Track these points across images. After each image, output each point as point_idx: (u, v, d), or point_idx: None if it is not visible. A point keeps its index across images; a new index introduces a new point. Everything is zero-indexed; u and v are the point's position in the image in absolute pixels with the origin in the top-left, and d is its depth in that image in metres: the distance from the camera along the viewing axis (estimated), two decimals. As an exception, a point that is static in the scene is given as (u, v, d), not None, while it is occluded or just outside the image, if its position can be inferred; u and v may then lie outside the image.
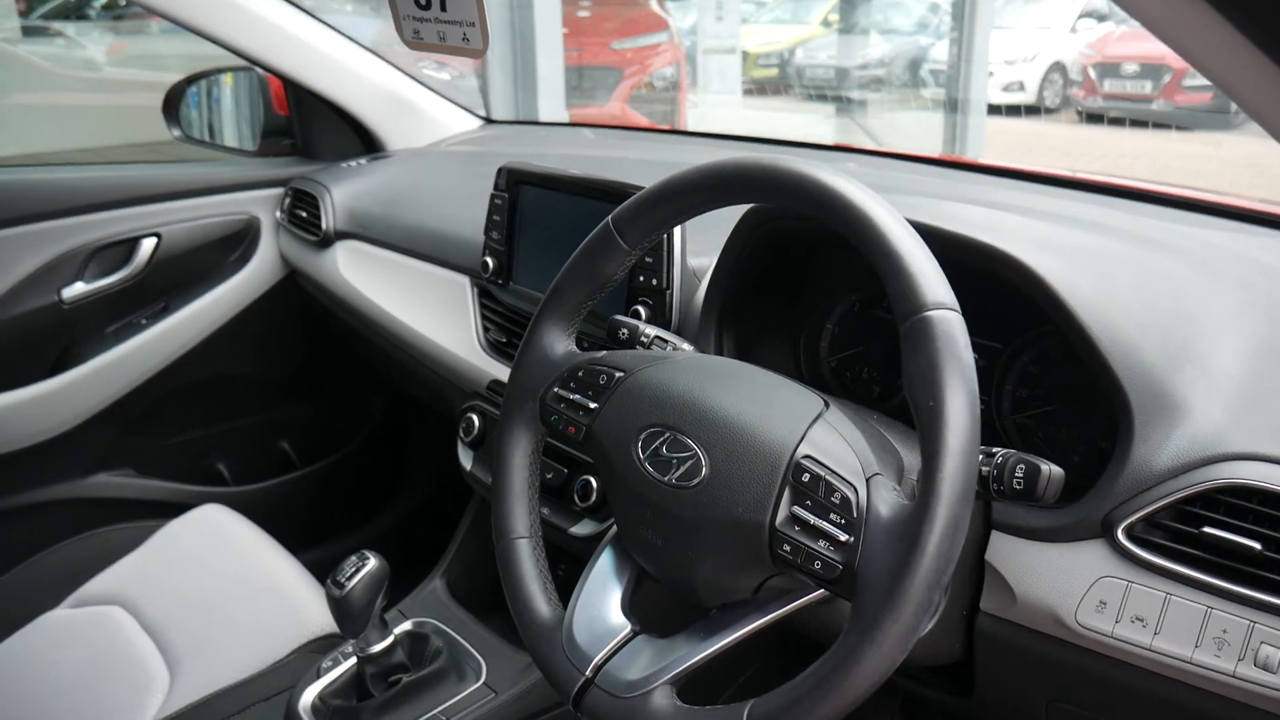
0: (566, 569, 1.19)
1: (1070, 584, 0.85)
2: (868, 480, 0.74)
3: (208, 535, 1.55)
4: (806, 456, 0.76)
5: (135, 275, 1.84)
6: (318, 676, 1.24)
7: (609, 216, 0.92)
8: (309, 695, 1.22)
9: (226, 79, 2.06)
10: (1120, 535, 0.82)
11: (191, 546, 1.53)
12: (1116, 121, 6.57)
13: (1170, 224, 1.18)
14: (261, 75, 1.99)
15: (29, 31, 5.84)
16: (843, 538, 0.72)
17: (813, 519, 0.73)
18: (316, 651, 1.32)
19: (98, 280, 1.81)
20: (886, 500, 0.72)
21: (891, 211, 0.75)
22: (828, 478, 0.74)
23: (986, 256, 0.90)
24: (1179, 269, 1.00)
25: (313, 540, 1.95)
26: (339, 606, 1.13)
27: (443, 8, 1.05)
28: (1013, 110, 7.19)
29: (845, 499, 0.73)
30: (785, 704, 0.71)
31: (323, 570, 1.39)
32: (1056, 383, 1.01)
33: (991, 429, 1.04)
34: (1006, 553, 0.88)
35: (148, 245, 1.84)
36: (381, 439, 2.24)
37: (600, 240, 0.92)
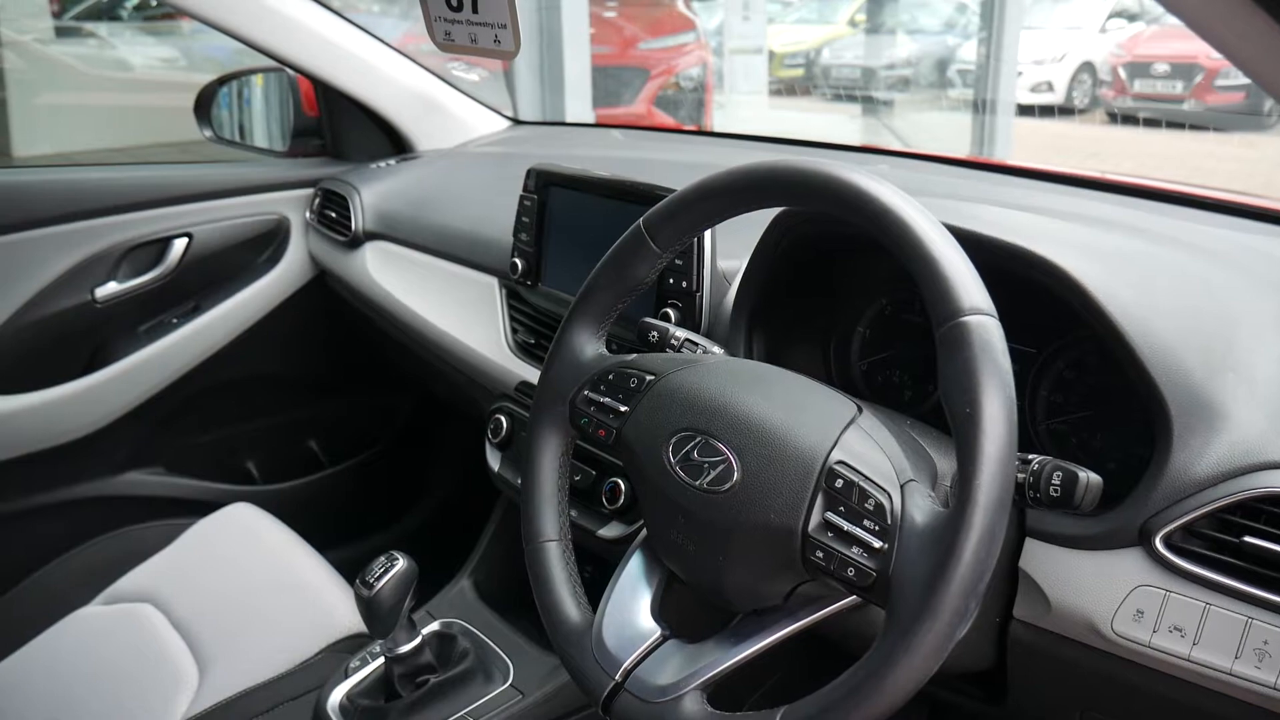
0: (593, 571, 1.19)
1: (1106, 592, 0.83)
2: (902, 487, 0.73)
3: (237, 534, 1.56)
4: (840, 462, 0.75)
5: (167, 275, 1.85)
6: (346, 676, 1.24)
7: (640, 219, 0.91)
8: (337, 695, 1.23)
9: (257, 80, 2.08)
10: (1158, 544, 0.81)
11: (221, 545, 1.54)
12: (1151, 123, 6.50)
13: (1206, 227, 1.17)
14: (292, 76, 2.00)
15: (62, 32, 5.90)
16: (877, 544, 0.71)
17: (846, 525, 0.73)
18: (344, 651, 1.32)
19: (130, 280, 1.83)
20: (921, 507, 0.72)
21: (927, 215, 0.74)
22: (861, 484, 0.73)
23: (1023, 261, 0.89)
24: (1217, 273, 0.99)
25: (340, 539, 1.96)
26: (368, 607, 1.13)
27: (474, 9, 1.05)
28: (1041, 111, 7.14)
29: (879, 505, 0.72)
30: (818, 711, 0.70)
31: (349, 569, 1.39)
32: (1092, 388, 1.00)
33: (1024, 434, 1.03)
34: (1041, 560, 0.87)
35: (179, 245, 1.85)
36: (409, 439, 2.25)
37: (631, 243, 0.91)
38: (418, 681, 1.23)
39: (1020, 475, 0.77)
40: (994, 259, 0.86)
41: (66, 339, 1.81)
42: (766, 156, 0.84)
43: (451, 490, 2.22)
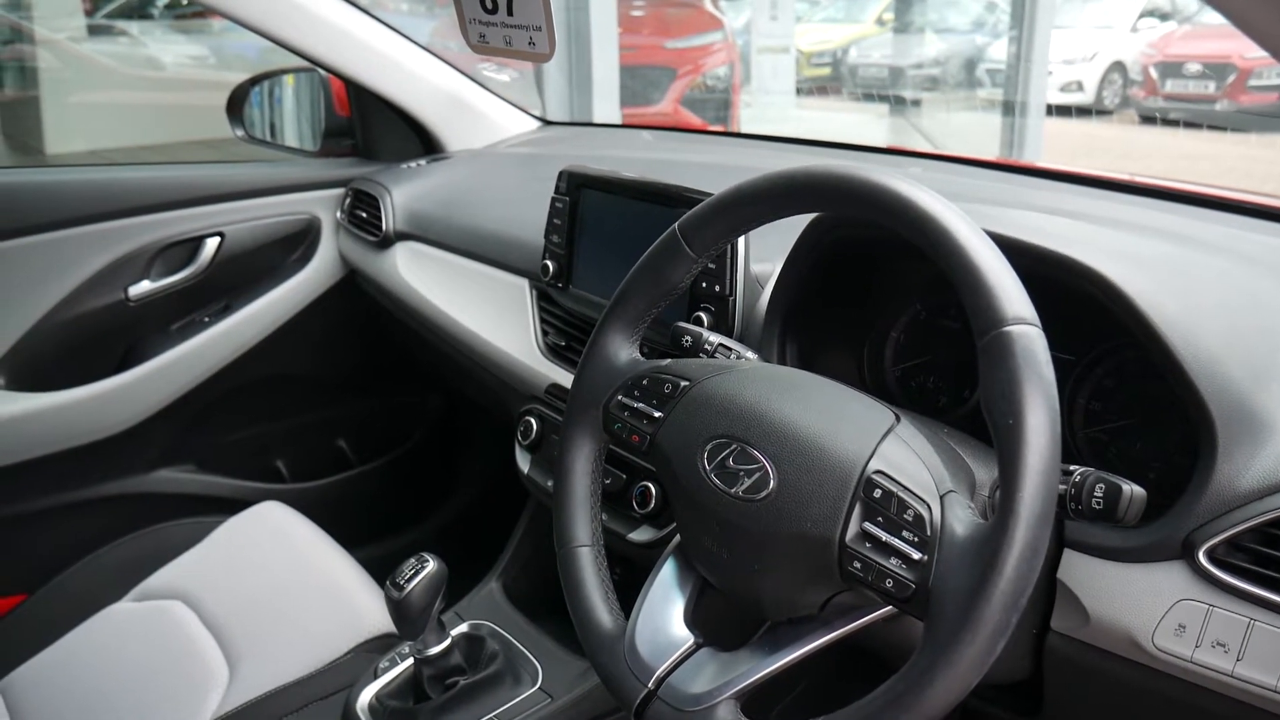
0: (622, 573, 1.18)
1: (1148, 606, 0.82)
2: (941, 498, 0.73)
3: (267, 532, 1.57)
4: (878, 472, 0.74)
5: (199, 274, 1.86)
6: (375, 677, 1.24)
7: (676, 224, 0.91)
8: (366, 695, 1.23)
9: (288, 80, 2.09)
10: (1201, 557, 0.80)
11: (251, 543, 1.55)
12: (1190, 124, 6.42)
13: (1247, 233, 1.15)
14: (323, 76, 2.00)
15: (94, 30, 5.95)
16: (916, 556, 0.70)
17: (885, 536, 0.72)
18: (374, 651, 1.33)
19: (163, 279, 1.84)
20: (961, 519, 0.71)
21: (969, 222, 0.73)
22: (900, 494, 0.73)
23: (1063, 268, 0.88)
24: (1262, 281, 0.97)
25: (368, 538, 1.96)
26: (398, 608, 1.13)
27: (509, 11, 1.05)
28: (1068, 110, 7.08)
29: (919, 516, 0.71)
30: None
31: (378, 568, 1.39)
32: (1132, 397, 0.98)
33: (1063, 443, 1.02)
34: (1080, 572, 0.86)
35: (211, 244, 1.87)
36: (437, 439, 2.25)
37: (667, 247, 0.91)
38: (447, 683, 1.23)
39: (1062, 487, 0.76)
40: (1033, 265, 0.85)
41: (100, 337, 1.82)
42: (796, 158, 0.84)
43: (480, 491, 2.22)
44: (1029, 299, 0.70)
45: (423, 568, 1.13)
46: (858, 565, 0.73)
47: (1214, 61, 6.52)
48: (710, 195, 0.90)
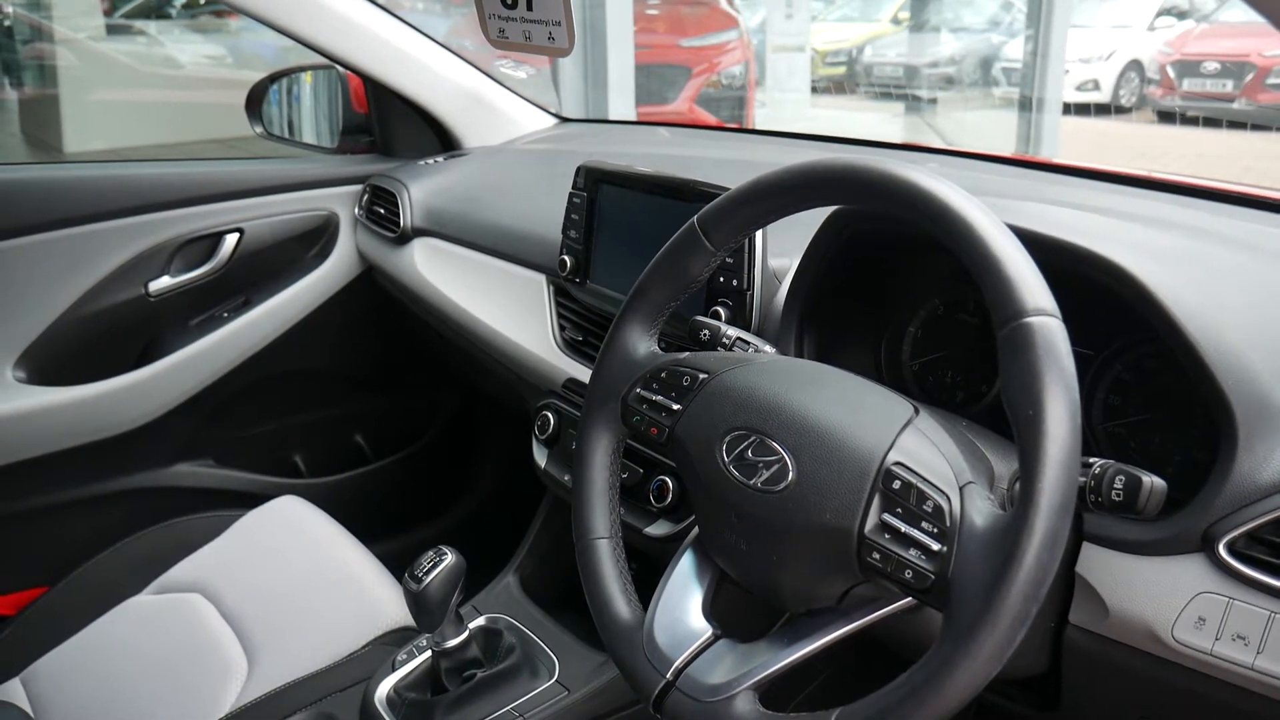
0: (638, 567, 1.19)
1: (1167, 599, 0.82)
2: (961, 489, 0.73)
3: (285, 526, 1.58)
4: (897, 463, 0.75)
5: (218, 269, 1.88)
6: (393, 669, 1.25)
7: (695, 217, 0.91)
8: (384, 688, 1.23)
9: (307, 77, 2.10)
10: (1222, 550, 0.79)
11: (269, 537, 1.56)
12: (1211, 122, 6.38)
13: (1267, 228, 1.15)
14: (341, 73, 2.01)
15: (112, 30, 6.00)
16: (935, 547, 0.70)
17: (904, 527, 0.72)
18: (391, 644, 1.33)
19: (183, 274, 1.85)
20: (981, 510, 0.71)
21: (990, 215, 0.73)
22: (919, 485, 0.73)
23: (1083, 261, 0.88)
24: (1282, 275, 0.97)
25: (385, 533, 1.97)
26: (416, 601, 1.14)
27: (529, 7, 1.05)
28: (1085, 108, 7.06)
29: (938, 507, 0.71)
30: (875, 713, 0.70)
31: (395, 563, 1.40)
32: (1151, 392, 0.98)
33: (1081, 437, 1.02)
34: (1099, 565, 0.86)
35: (230, 240, 1.88)
36: (454, 434, 2.26)
37: (685, 241, 0.91)
38: (464, 676, 1.23)
39: (1081, 479, 0.76)
40: (1052, 259, 0.85)
41: (120, 332, 1.83)
42: (814, 154, 0.84)
43: (496, 486, 2.23)
44: (1050, 290, 0.70)
45: (441, 560, 1.14)
46: (877, 556, 0.73)
47: (1232, 60, 6.48)
48: (728, 189, 0.90)
